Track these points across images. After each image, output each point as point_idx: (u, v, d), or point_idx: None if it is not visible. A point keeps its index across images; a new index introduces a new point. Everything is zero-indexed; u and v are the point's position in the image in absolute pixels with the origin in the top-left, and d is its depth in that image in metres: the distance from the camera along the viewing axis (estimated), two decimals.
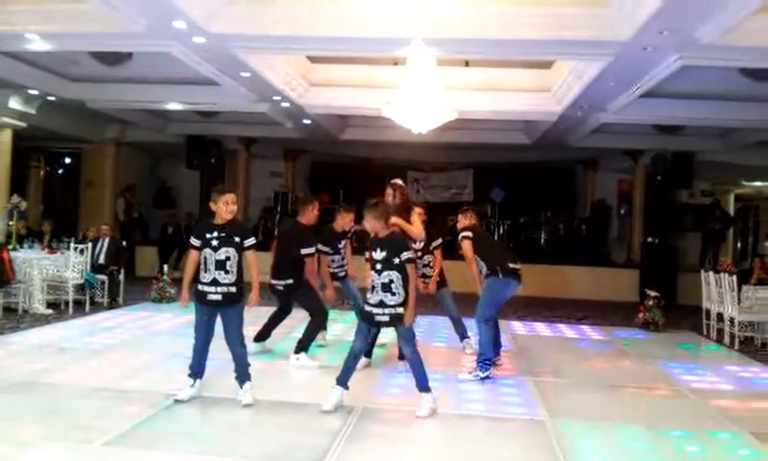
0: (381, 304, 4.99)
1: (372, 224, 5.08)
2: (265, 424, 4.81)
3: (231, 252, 5.07)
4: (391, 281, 4.96)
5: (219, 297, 5.04)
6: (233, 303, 5.10)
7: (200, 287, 5.08)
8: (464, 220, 6.79)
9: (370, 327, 5.20)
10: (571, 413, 5.38)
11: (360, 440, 4.52)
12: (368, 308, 5.07)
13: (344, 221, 7.34)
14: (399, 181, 6.68)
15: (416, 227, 6.34)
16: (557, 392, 6.02)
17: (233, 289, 5.07)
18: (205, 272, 5.05)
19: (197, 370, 5.20)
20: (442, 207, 15.05)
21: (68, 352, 6.86)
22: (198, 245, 5.09)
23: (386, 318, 5.01)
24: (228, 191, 5.18)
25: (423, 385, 5.07)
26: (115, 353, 6.89)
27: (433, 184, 18.22)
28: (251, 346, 6.20)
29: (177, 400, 5.08)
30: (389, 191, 6.52)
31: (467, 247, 6.50)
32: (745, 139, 13.24)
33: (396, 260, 4.97)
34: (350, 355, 5.14)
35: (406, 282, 4.99)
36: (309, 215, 6.84)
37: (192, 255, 5.14)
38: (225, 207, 5.10)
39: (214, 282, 5.03)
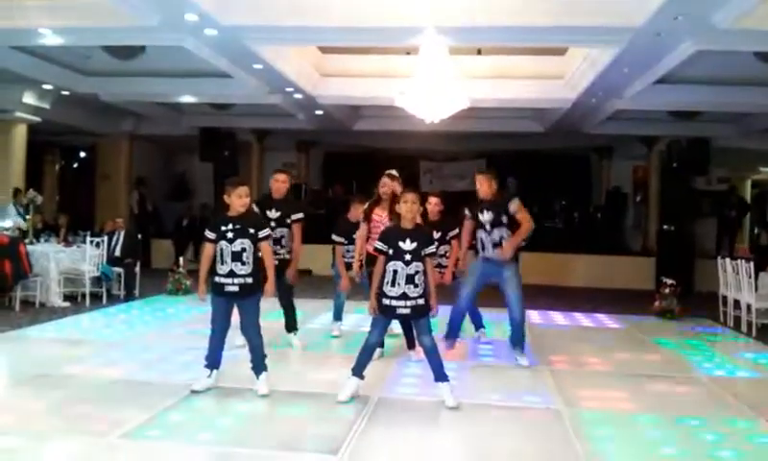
0: (404, 297, 4.92)
1: (414, 210, 5.01)
2: (281, 414, 4.83)
3: (247, 243, 5.09)
4: (416, 273, 4.92)
5: (236, 288, 5.08)
6: (250, 294, 5.14)
7: (217, 279, 5.12)
8: (490, 185, 6.34)
9: (388, 320, 5.18)
10: (588, 402, 5.36)
11: (376, 430, 4.52)
12: (387, 301, 4.98)
13: (357, 212, 7.32)
14: (395, 172, 6.53)
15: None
16: (573, 381, 6.00)
17: (250, 280, 5.10)
18: (222, 264, 5.09)
19: (213, 361, 5.23)
20: (455, 197, 15.01)
21: (85, 345, 6.92)
22: (213, 238, 5.12)
23: (408, 311, 4.96)
24: (240, 184, 5.19)
25: (441, 375, 5.05)
26: (132, 345, 6.94)
27: (446, 174, 18.15)
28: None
29: (193, 391, 5.12)
30: (386, 181, 6.34)
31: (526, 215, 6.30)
32: (762, 124, 13.08)
33: (423, 252, 4.96)
34: (366, 348, 5.11)
35: (425, 274, 4.98)
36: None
37: (207, 249, 5.17)
38: (238, 200, 5.12)
39: (231, 274, 5.07)
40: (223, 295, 5.12)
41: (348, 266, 7.10)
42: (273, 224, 6.32)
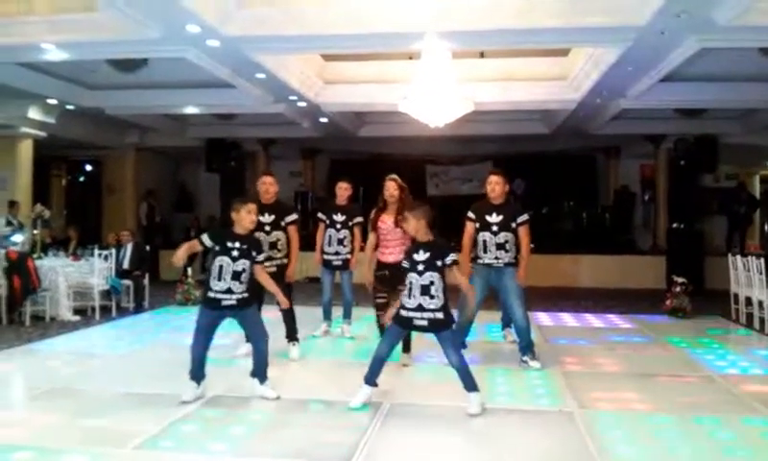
0: (420, 309, 4.87)
1: (418, 227, 4.97)
2: (293, 421, 4.81)
3: (248, 264, 5.14)
4: (431, 283, 4.85)
5: (234, 302, 5.10)
6: (247, 305, 5.19)
7: (211, 294, 5.10)
8: (503, 187, 6.36)
9: (402, 331, 5.16)
10: (600, 403, 5.33)
11: (389, 436, 4.51)
12: (405, 313, 4.95)
13: (342, 193, 7.60)
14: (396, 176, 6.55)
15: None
16: (585, 382, 5.96)
17: (246, 295, 5.16)
18: (220, 280, 5.07)
19: (198, 375, 5.21)
20: (461, 201, 14.95)
21: (96, 358, 6.92)
22: (209, 246, 5.10)
23: (425, 323, 4.89)
24: (250, 201, 5.23)
25: (472, 387, 4.97)
26: (143, 357, 6.95)
27: (452, 178, 18.15)
28: None
29: (183, 402, 5.08)
30: (391, 184, 6.40)
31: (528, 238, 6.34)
32: None
33: (439, 263, 4.88)
34: (377, 358, 5.06)
35: (445, 287, 4.91)
36: None
37: (195, 244, 5.17)
38: (247, 216, 5.14)
39: (229, 291, 5.08)
40: (218, 309, 5.11)
41: (328, 264, 7.52)
42: (267, 228, 6.38)
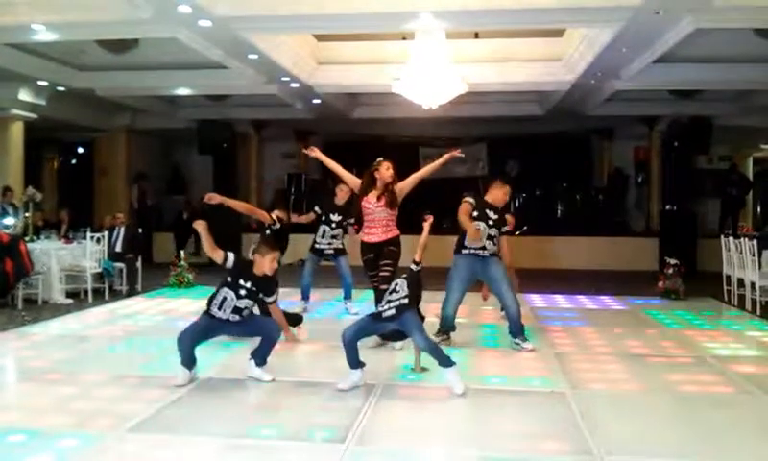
0: (389, 301, 5.16)
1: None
2: (287, 404, 4.81)
3: (251, 304, 5.23)
4: (396, 284, 5.19)
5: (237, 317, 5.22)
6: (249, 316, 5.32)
7: (213, 312, 5.18)
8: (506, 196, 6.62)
9: (376, 324, 5.28)
10: (593, 384, 5.35)
11: (382, 417, 4.51)
12: (379, 309, 5.25)
13: (342, 194, 7.86)
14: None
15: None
16: (578, 363, 5.98)
17: (246, 313, 5.26)
18: (220, 309, 5.15)
19: (189, 362, 5.21)
20: (455, 183, 14.89)
21: (89, 341, 6.91)
22: (227, 267, 5.13)
23: (393, 311, 5.11)
24: (276, 248, 5.30)
25: (446, 362, 5.01)
26: (136, 340, 6.94)
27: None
28: None
29: (177, 386, 5.07)
30: (387, 164, 6.37)
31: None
32: (762, 101, 13.00)
33: (413, 267, 5.28)
34: (347, 343, 5.06)
35: (412, 284, 5.17)
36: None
37: (217, 252, 5.16)
38: (269, 264, 5.17)
39: (228, 320, 5.20)
40: (219, 321, 5.19)
41: (319, 252, 7.97)
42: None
